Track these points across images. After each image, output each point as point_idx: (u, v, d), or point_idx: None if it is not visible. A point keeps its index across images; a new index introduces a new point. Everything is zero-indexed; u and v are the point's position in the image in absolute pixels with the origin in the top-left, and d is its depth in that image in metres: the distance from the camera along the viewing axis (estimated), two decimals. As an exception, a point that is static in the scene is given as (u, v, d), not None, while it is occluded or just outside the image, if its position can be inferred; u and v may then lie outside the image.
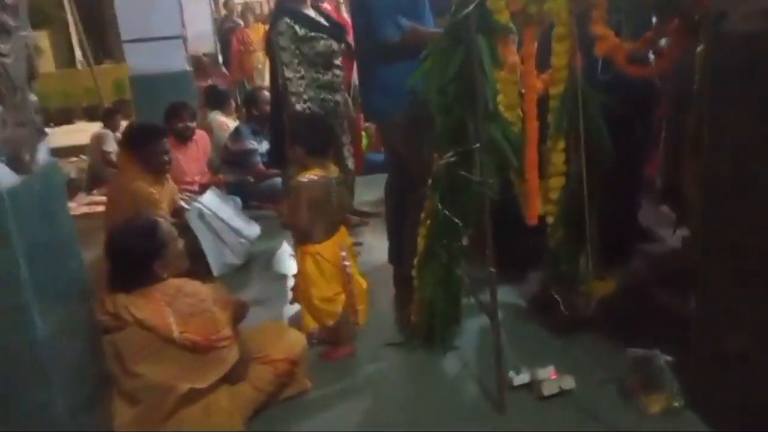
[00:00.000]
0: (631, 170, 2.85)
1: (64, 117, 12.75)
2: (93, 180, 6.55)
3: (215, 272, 3.60)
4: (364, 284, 2.72)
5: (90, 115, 11.60)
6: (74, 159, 8.82)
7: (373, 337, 2.76)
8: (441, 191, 2.42)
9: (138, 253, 1.98)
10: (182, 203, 3.74)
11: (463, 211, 2.41)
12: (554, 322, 2.59)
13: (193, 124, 4.52)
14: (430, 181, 2.47)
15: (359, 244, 3.92)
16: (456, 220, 2.42)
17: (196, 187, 4.63)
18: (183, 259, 2.10)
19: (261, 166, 4.87)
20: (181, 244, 2.10)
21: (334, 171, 2.72)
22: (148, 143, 3.47)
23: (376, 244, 3.94)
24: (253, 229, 3.95)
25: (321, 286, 2.54)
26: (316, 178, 2.55)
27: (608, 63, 2.30)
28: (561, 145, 2.35)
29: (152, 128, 3.86)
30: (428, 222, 2.53)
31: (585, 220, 2.35)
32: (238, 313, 2.24)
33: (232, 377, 2.08)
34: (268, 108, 4.78)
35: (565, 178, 2.40)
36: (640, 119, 2.76)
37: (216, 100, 5.87)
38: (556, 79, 2.29)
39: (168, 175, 3.79)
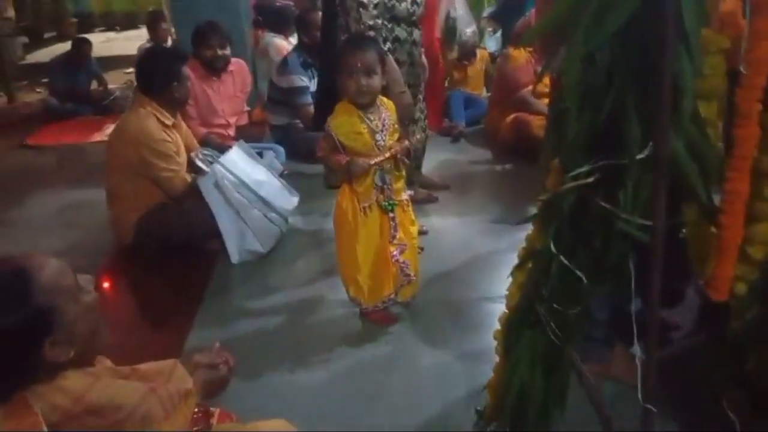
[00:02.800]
0: None
1: (130, 21, 12.08)
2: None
3: (234, 259, 2.78)
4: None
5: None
6: (130, 71, 8.16)
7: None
8: (559, 225, 1.44)
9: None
10: (198, 162, 2.87)
11: (593, 260, 1.44)
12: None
13: (226, 52, 3.61)
14: (538, 207, 1.50)
15: (424, 232, 2.98)
16: (579, 274, 1.44)
17: (230, 132, 3.78)
18: (98, 331, 1.22)
19: (312, 108, 3.92)
20: (93, 299, 1.21)
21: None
22: (164, 69, 2.83)
23: (447, 233, 3.00)
24: (289, 200, 3.07)
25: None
26: None
27: None
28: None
29: (167, 51, 3.26)
30: (530, 266, 1.58)
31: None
32: (208, 391, 1.38)
33: None
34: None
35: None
36: None
37: (273, 19, 4.90)
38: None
39: (179, 115, 3.01)
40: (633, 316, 1.42)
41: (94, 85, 6.69)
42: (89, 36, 8.25)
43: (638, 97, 1.22)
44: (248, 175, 2.91)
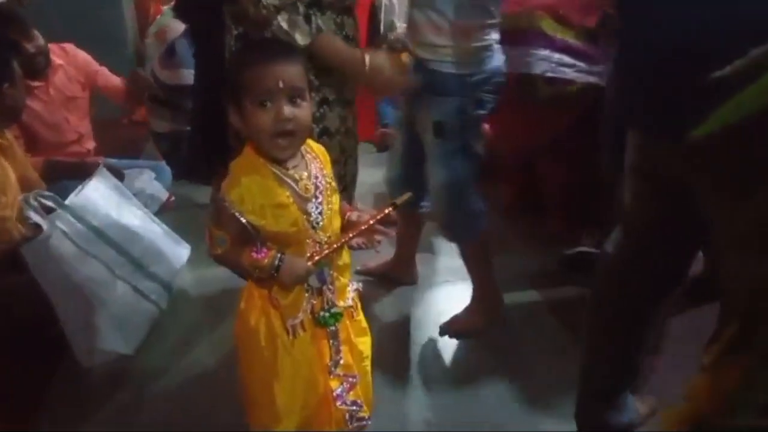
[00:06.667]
0: None
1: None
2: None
3: (84, 362, 1.85)
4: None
5: None
6: None
7: None
8: None
9: None
10: (30, 211, 1.90)
11: None
12: None
13: (40, 43, 2.55)
14: None
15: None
16: None
17: (89, 146, 2.80)
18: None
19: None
20: None
21: None
22: None
23: (395, 303, 2.19)
24: (176, 254, 2.17)
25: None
26: None
27: None
28: None
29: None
30: None
31: None
32: None
33: None
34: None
35: None
36: None
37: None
38: None
39: (11, 136, 2.09)
40: None
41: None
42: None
43: None
44: (114, 223, 1.97)
